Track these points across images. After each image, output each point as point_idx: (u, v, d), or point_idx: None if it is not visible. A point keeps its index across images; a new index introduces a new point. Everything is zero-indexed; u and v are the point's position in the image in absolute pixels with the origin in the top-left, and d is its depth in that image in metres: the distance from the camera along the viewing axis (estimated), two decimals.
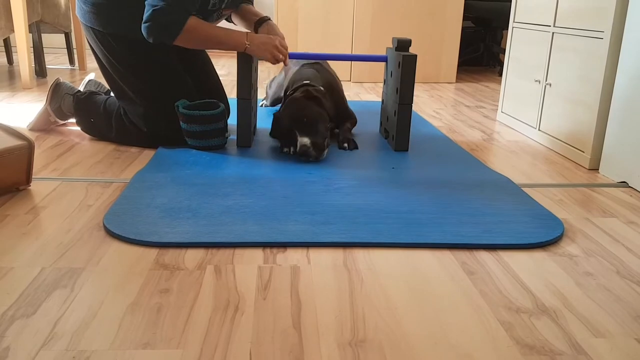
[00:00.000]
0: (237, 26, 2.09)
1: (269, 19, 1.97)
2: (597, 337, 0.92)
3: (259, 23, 1.95)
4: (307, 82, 2.03)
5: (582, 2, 1.90)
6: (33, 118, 2.09)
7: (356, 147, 1.94)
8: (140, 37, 1.80)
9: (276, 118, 1.94)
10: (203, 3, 1.78)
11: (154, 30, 1.70)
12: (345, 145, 1.93)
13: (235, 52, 1.83)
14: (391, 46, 2.06)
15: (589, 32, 1.86)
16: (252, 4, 2.10)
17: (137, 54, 1.83)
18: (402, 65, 1.84)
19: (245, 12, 2.01)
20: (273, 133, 1.98)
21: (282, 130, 1.86)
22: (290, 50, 2.05)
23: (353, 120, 2.15)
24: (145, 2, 1.70)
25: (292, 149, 1.84)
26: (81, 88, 2.13)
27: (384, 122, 2.12)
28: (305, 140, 1.74)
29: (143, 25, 1.70)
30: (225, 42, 1.78)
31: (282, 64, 1.95)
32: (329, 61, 2.42)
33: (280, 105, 2.15)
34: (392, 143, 1.97)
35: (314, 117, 1.81)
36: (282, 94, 2.28)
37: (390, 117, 2.00)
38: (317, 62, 2.22)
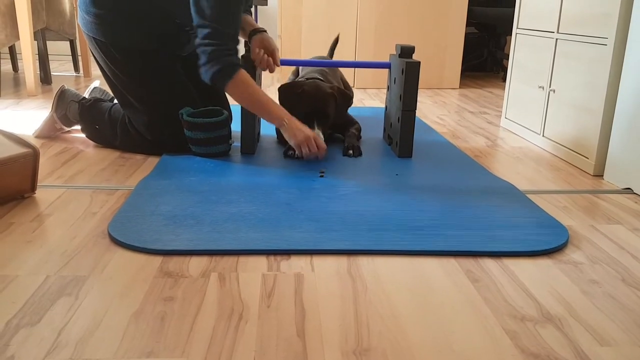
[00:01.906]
0: None
1: (265, 31, 1.97)
2: (602, 345, 0.92)
3: (253, 33, 1.95)
4: (321, 78, 2.08)
5: (586, 9, 1.90)
6: (39, 125, 2.10)
7: (360, 155, 1.94)
8: (142, 47, 1.81)
9: (292, 89, 1.94)
10: None
11: (205, 73, 1.71)
12: (350, 152, 1.93)
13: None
14: (394, 53, 2.06)
15: (592, 38, 1.86)
16: (251, 14, 2.10)
17: (140, 64, 1.84)
18: (406, 72, 1.85)
19: (243, 21, 2.01)
20: (281, 143, 2.02)
21: (298, 103, 1.89)
22: (294, 57, 2.06)
23: (358, 126, 2.15)
24: (197, 40, 1.70)
25: (296, 153, 1.85)
26: (86, 95, 2.14)
27: (388, 129, 2.12)
28: (320, 136, 1.84)
29: (202, 69, 1.71)
30: (265, 109, 1.76)
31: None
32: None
33: None
34: (396, 149, 1.97)
35: (331, 114, 1.90)
36: None
37: (394, 124, 2.00)
38: (322, 69, 2.23)
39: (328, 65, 2.07)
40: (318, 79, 2.07)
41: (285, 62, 2.03)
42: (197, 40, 1.70)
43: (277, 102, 1.86)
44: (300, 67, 2.39)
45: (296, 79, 2.16)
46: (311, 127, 1.83)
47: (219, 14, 1.67)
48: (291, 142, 1.79)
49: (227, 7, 1.68)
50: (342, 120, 2.10)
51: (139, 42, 1.81)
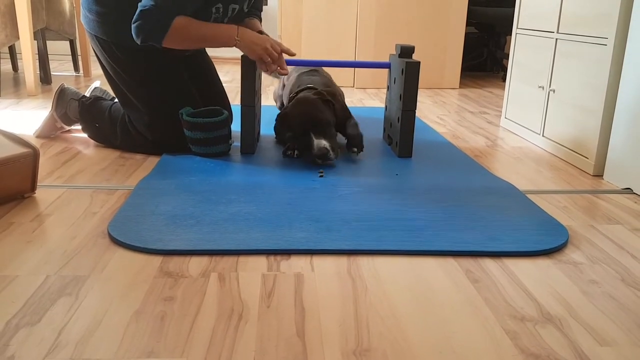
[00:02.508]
0: None
1: (267, 35, 1.95)
2: (602, 345, 0.92)
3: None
4: (312, 85, 2.01)
5: (586, 9, 1.91)
6: (39, 125, 2.10)
7: (362, 150, 1.92)
8: (144, 46, 1.81)
9: (283, 117, 1.91)
10: (204, 16, 1.78)
11: (141, 30, 1.68)
12: (355, 149, 1.90)
13: (229, 50, 1.81)
14: (394, 53, 2.06)
15: (592, 38, 1.86)
16: (261, 20, 2.07)
17: (141, 63, 1.84)
18: (406, 72, 1.85)
19: (247, 24, 1.99)
20: (277, 134, 1.97)
21: (292, 129, 1.84)
22: (293, 57, 2.05)
23: (354, 122, 2.08)
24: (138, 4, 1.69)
25: (296, 152, 1.84)
26: (87, 94, 2.13)
27: (388, 129, 2.12)
28: (323, 143, 1.74)
29: (132, 26, 1.69)
30: (215, 39, 1.74)
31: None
32: (332, 68, 2.41)
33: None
34: (396, 149, 1.97)
35: (328, 119, 1.81)
36: (282, 103, 2.26)
37: (394, 124, 2.00)
38: (316, 69, 2.20)
39: (328, 65, 2.06)
40: (307, 88, 1.99)
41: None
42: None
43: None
44: (284, 78, 2.34)
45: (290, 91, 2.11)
46: (310, 140, 1.78)
47: None
48: (252, 58, 1.75)
49: None
50: (343, 118, 2.06)
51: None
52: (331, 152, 1.75)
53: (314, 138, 1.76)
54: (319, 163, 1.78)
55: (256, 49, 1.73)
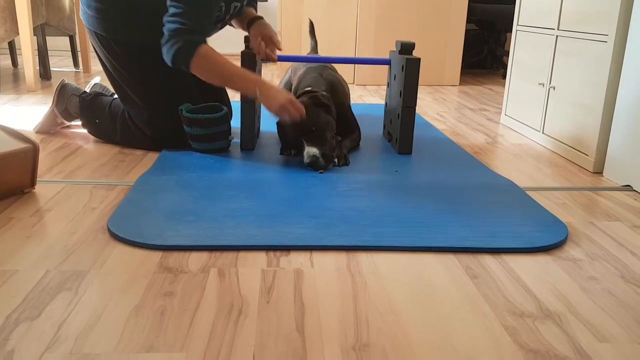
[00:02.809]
0: (234, 28, 2.08)
1: (262, 18, 1.96)
2: (601, 342, 0.92)
3: (251, 22, 1.94)
4: (309, 88, 1.94)
5: (586, 6, 1.90)
6: (39, 120, 2.10)
7: (346, 164, 1.80)
8: (143, 42, 1.81)
9: (280, 126, 1.90)
10: None
11: (166, 53, 1.68)
12: (336, 160, 1.78)
13: (228, 46, 1.79)
14: (394, 49, 2.06)
15: (593, 35, 1.86)
16: (256, 9, 2.08)
17: (140, 59, 1.83)
18: (406, 69, 1.85)
19: (243, 13, 2.00)
20: (281, 141, 1.94)
21: (288, 138, 1.84)
22: (294, 53, 2.05)
23: (356, 136, 2.01)
24: (164, 19, 1.67)
25: (293, 152, 1.83)
26: (87, 90, 2.13)
27: (388, 125, 2.12)
28: (313, 151, 1.69)
29: (162, 48, 1.68)
30: (235, 83, 1.71)
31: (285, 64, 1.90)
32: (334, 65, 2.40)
33: None
34: (396, 146, 1.97)
35: (322, 125, 1.75)
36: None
37: (394, 120, 2.00)
38: (325, 65, 2.15)
39: (325, 61, 2.06)
40: (307, 91, 1.91)
41: (282, 58, 2.01)
42: (164, 18, 1.67)
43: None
44: (292, 74, 2.30)
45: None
46: (302, 148, 1.74)
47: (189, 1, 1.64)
48: (270, 112, 1.69)
49: None
50: (347, 121, 2.00)
51: (140, 37, 1.81)
52: (321, 159, 1.68)
53: (305, 146, 1.72)
54: (311, 170, 1.72)
55: (274, 103, 1.66)
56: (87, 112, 1.99)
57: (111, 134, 1.96)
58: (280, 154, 1.88)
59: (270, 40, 1.89)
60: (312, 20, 2.56)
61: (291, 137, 1.81)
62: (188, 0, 1.65)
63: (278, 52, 1.93)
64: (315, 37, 2.52)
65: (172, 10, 1.66)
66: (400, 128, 1.92)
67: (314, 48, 2.50)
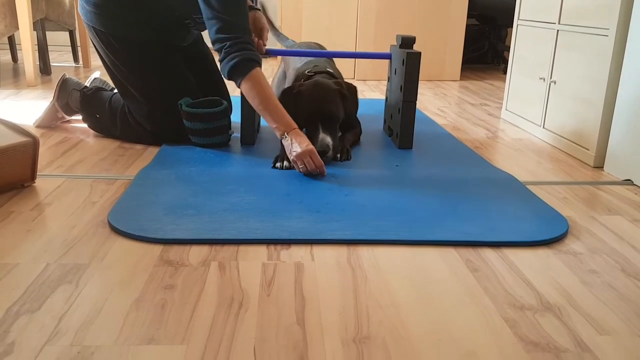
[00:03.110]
0: None
1: (258, 9, 1.95)
2: (601, 334, 0.92)
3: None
4: (331, 71, 1.93)
5: (587, 0, 1.90)
6: (40, 115, 2.10)
7: (348, 159, 1.77)
8: (141, 37, 1.80)
9: (294, 94, 1.79)
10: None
11: (223, 68, 1.68)
12: (338, 155, 1.75)
13: None
14: (395, 44, 2.06)
15: (594, 29, 1.85)
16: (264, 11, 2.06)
17: (139, 54, 1.83)
18: (407, 63, 1.84)
19: (252, 17, 1.98)
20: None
21: (301, 111, 1.74)
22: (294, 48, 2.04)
23: (358, 131, 2.01)
24: (211, 29, 1.67)
25: (285, 164, 1.67)
26: (87, 84, 2.13)
27: (388, 120, 2.12)
28: (328, 140, 1.70)
29: (220, 60, 1.69)
30: (272, 115, 1.66)
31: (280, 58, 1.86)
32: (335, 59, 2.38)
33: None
34: (396, 141, 1.97)
35: (339, 115, 1.75)
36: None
37: (394, 115, 2.00)
38: (325, 60, 2.09)
39: (323, 55, 2.05)
40: (326, 72, 1.92)
41: (273, 52, 1.97)
42: (211, 36, 1.69)
43: None
44: (284, 66, 2.27)
45: (299, 74, 1.99)
46: (315, 132, 1.72)
47: (226, 6, 1.65)
48: (290, 158, 1.63)
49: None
50: (352, 119, 1.96)
51: (138, 33, 1.81)
52: (331, 151, 1.70)
53: (320, 131, 1.72)
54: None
55: (296, 149, 1.60)
56: (88, 106, 1.99)
57: (111, 129, 1.96)
58: (273, 166, 1.69)
59: (259, 35, 1.89)
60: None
61: (306, 114, 1.74)
62: (227, 8, 1.65)
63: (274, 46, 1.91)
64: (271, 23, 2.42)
65: (215, 25, 1.66)
66: (400, 122, 1.91)
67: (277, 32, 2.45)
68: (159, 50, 1.84)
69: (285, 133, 1.63)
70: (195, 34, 2.02)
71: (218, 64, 1.72)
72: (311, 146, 1.60)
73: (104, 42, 1.84)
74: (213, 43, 1.70)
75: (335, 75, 1.95)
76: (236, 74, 1.67)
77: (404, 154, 1.88)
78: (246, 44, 1.68)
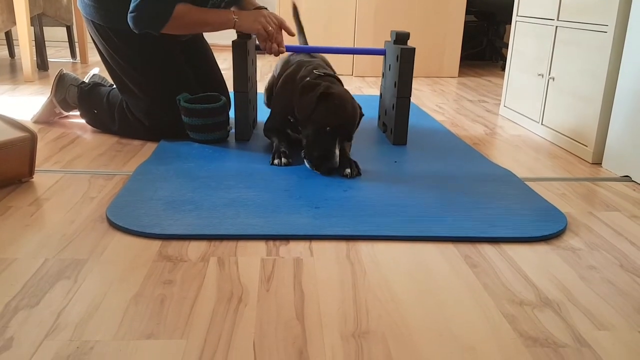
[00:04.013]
0: None
1: (265, 9, 1.95)
2: (600, 329, 0.92)
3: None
4: (336, 77, 1.75)
5: None
6: (37, 110, 2.09)
7: (359, 174, 1.61)
8: (141, 32, 1.80)
9: (310, 88, 1.61)
10: (202, 1, 1.77)
11: (139, 20, 1.69)
12: (348, 171, 1.58)
13: (226, 37, 1.78)
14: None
15: (592, 25, 1.85)
16: None
17: (138, 48, 1.82)
18: (401, 58, 1.84)
19: (245, 3, 2.00)
20: (276, 115, 1.77)
21: (316, 121, 1.57)
22: (292, 44, 2.03)
23: (349, 143, 1.79)
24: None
25: (283, 160, 1.63)
26: (86, 80, 2.13)
27: (382, 116, 2.12)
28: (337, 159, 1.55)
29: (129, 15, 1.69)
30: (213, 22, 1.76)
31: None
32: (330, 56, 2.36)
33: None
34: (391, 137, 1.97)
35: (354, 129, 1.63)
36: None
37: (389, 111, 2.00)
38: (315, 56, 2.00)
39: (324, 51, 2.04)
40: (330, 75, 1.74)
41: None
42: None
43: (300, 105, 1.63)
44: (275, 70, 2.17)
45: (305, 66, 1.82)
46: (331, 145, 1.55)
47: None
48: (256, 34, 1.74)
49: None
50: None
51: None
52: (335, 170, 1.59)
53: (337, 145, 1.56)
54: (315, 169, 1.59)
55: (255, 19, 1.74)
56: (85, 102, 1.98)
57: (109, 124, 1.95)
58: (271, 163, 1.65)
59: (279, 29, 1.83)
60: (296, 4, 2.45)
61: (323, 124, 1.56)
62: None
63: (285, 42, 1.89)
64: (300, 23, 2.32)
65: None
66: (395, 119, 1.91)
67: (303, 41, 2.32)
68: (158, 44, 1.84)
69: (234, 18, 1.72)
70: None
71: (130, 21, 1.70)
72: (259, 12, 1.72)
73: (103, 36, 1.83)
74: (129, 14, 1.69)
75: (339, 81, 1.78)
76: (157, 21, 1.69)
77: (402, 150, 1.88)
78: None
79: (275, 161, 1.66)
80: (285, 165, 1.64)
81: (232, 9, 1.87)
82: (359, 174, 1.60)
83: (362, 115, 1.70)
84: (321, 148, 1.56)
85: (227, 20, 1.75)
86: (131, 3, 1.68)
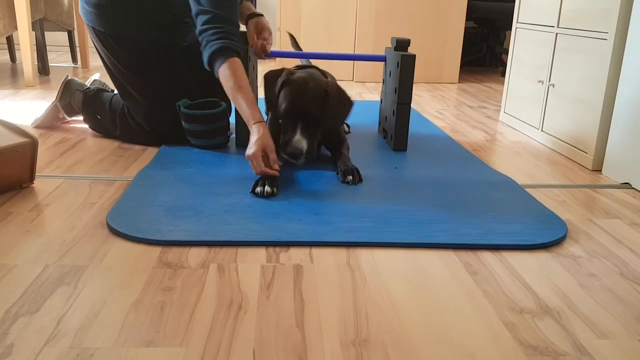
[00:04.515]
0: None
1: (261, 15, 1.96)
2: (600, 338, 0.92)
3: (250, 17, 1.93)
4: (323, 70, 1.76)
5: (586, 3, 1.90)
6: (41, 114, 2.10)
7: (361, 181, 1.60)
8: (141, 37, 1.80)
9: (274, 77, 1.66)
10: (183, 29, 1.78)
11: (204, 56, 1.65)
12: (350, 178, 1.58)
13: None
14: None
15: (593, 33, 1.86)
16: (254, 2, 2.07)
17: (139, 55, 1.83)
18: (401, 65, 1.84)
19: (242, 7, 2.00)
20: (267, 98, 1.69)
21: (282, 106, 1.59)
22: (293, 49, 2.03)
23: (347, 145, 1.80)
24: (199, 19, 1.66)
25: (266, 190, 1.45)
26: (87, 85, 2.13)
27: (383, 122, 2.12)
28: (303, 144, 1.54)
29: (203, 52, 1.66)
30: (242, 106, 1.61)
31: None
32: (331, 62, 2.36)
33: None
34: (391, 143, 1.97)
35: (322, 115, 1.58)
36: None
37: (389, 117, 2.00)
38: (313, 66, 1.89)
39: (324, 57, 2.04)
40: (310, 66, 1.77)
41: (276, 54, 1.98)
42: (198, 28, 1.66)
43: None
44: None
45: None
46: (292, 131, 1.56)
47: (216, 0, 1.64)
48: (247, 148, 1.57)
49: None
50: (335, 131, 1.80)
51: (138, 33, 1.81)
52: (303, 157, 1.55)
53: (298, 132, 1.55)
54: (285, 156, 1.58)
55: (251, 147, 1.54)
56: (89, 107, 1.99)
57: (112, 130, 1.96)
58: (252, 191, 1.47)
59: (262, 37, 1.88)
60: (291, 33, 2.44)
61: (288, 110, 1.58)
62: (216, 2, 1.64)
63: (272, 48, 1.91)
64: (300, 49, 2.36)
65: (203, 17, 1.65)
66: (395, 125, 1.91)
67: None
68: (159, 50, 1.84)
69: (252, 126, 1.56)
70: (196, 33, 2.02)
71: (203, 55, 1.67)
72: (260, 149, 1.51)
73: (105, 43, 1.84)
74: (199, 34, 1.66)
75: (326, 74, 1.78)
76: (214, 60, 1.63)
77: (402, 156, 1.88)
78: (230, 33, 1.65)
79: (257, 189, 1.46)
80: (269, 195, 1.45)
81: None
82: (360, 180, 1.60)
83: (350, 102, 1.68)
84: (286, 134, 1.58)
85: (247, 120, 1.60)
86: (206, 37, 1.65)
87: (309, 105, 1.58)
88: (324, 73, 1.77)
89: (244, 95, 1.60)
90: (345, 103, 1.69)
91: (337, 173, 1.64)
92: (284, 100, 1.60)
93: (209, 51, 1.64)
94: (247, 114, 1.59)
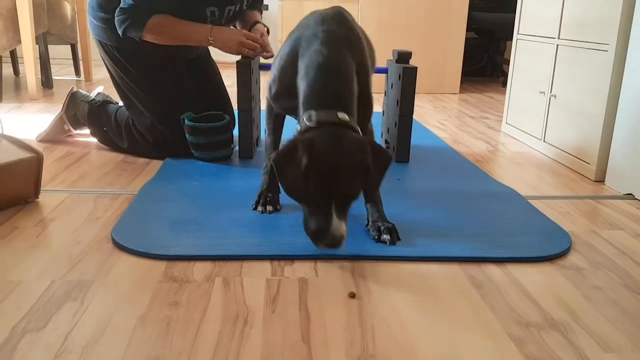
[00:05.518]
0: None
1: (263, 24, 1.97)
2: (606, 351, 0.92)
3: (252, 26, 1.95)
4: (339, 113, 1.21)
5: (587, 14, 1.91)
6: (46, 127, 2.10)
7: (399, 239, 1.31)
8: (148, 51, 1.82)
9: (288, 160, 1.17)
10: (199, 18, 1.79)
11: (121, 24, 1.75)
12: (387, 237, 1.29)
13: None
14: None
15: (594, 44, 1.87)
16: (261, 12, 2.08)
17: (145, 68, 1.85)
18: (403, 78, 1.85)
19: (247, 16, 2.01)
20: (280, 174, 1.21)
21: (309, 186, 1.15)
22: None
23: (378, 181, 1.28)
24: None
25: (269, 208, 1.41)
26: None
27: (385, 134, 2.13)
28: (343, 229, 1.15)
29: (115, 19, 1.76)
30: (189, 40, 1.80)
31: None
32: None
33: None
34: (393, 154, 1.97)
35: (358, 195, 1.20)
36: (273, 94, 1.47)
37: (391, 129, 2.01)
38: (335, 17, 1.49)
39: None
40: (340, 125, 1.21)
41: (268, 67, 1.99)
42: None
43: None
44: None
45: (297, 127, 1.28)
46: (326, 215, 1.14)
47: None
48: (230, 53, 1.79)
49: None
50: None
51: (145, 46, 1.82)
52: (344, 241, 1.16)
53: (333, 216, 1.14)
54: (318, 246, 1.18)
55: (230, 44, 1.77)
56: (95, 119, 2.00)
57: (118, 142, 1.97)
58: (254, 208, 1.44)
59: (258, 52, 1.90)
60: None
61: (316, 191, 1.15)
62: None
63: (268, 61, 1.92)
64: None
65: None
66: (397, 136, 1.92)
67: None
68: (165, 63, 1.86)
69: (210, 39, 1.73)
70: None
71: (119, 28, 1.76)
72: (240, 32, 1.73)
73: (111, 56, 1.86)
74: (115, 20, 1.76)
75: (354, 127, 1.24)
76: (134, 28, 1.73)
77: (404, 168, 1.89)
78: (141, 11, 1.72)
79: (259, 208, 1.42)
80: (270, 212, 1.42)
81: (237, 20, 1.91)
82: (398, 239, 1.30)
83: (389, 159, 1.24)
84: (315, 221, 1.16)
85: (202, 40, 1.78)
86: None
87: (346, 187, 1.17)
88: (352, 127, 1.23)
89: (182, 23, 1.75)
90: (385, 165, 1.23)
91: (368, 227, 1.35)
92: (313, 183, 1.15)
93: (123, 26, 1.74)
94: (197, 33, 1.74)
